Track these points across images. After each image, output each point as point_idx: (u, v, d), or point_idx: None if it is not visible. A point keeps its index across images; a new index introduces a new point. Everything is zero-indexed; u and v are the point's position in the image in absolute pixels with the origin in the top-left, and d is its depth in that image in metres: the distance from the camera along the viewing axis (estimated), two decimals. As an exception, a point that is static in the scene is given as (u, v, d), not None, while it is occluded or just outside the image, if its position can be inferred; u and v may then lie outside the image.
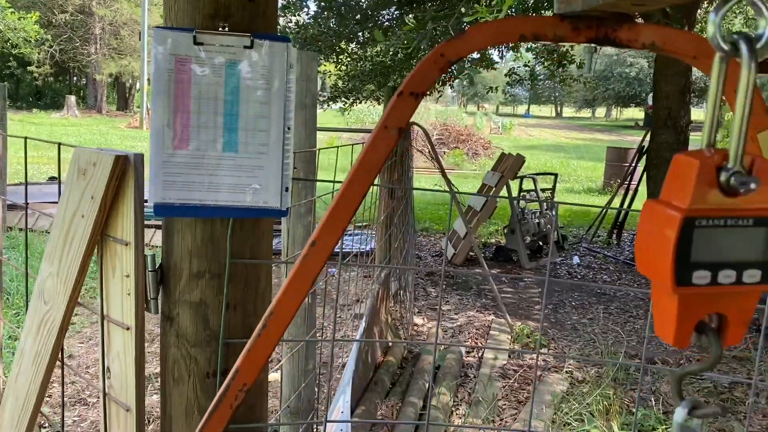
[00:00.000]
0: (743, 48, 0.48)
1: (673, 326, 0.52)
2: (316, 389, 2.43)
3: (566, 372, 4.15)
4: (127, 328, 1.36)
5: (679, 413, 0.55)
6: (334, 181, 1.73)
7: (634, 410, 3.59)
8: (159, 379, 1.47)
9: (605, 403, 3.50)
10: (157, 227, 6.61)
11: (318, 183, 2.41)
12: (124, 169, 1.33)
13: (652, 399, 3.70)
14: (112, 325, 1.40)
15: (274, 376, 3.34)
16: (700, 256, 0.50)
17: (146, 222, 1.37)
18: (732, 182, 0.49)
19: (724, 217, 0.50)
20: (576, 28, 0.76)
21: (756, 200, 0.50)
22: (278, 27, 5.97)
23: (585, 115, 60.00)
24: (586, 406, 3.46)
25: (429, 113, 23.74)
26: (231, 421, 0.84)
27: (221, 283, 1.34)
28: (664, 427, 3.37)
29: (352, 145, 3.59)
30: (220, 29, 1.26)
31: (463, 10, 3.49)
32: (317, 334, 2.98)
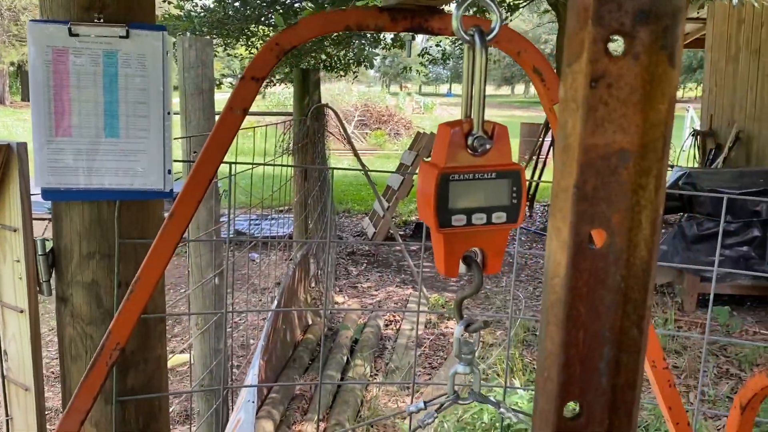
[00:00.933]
0: (477, 39, 0.61)
1: (443, 260, 0.66)
2: (230, 369, 2.52)
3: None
4: (21, 311, 1.41)
5: (458, 330, 0.69)
6: (232, 162, 1.82)
7: (534, 368, 3.85)
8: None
9: (510, 364, 3.74)
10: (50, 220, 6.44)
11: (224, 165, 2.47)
12: (8, 157, 1.37)
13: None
14: (6, 309, 1.45)
15: (184, 357, 3.40)
16: (457, 204, 0.63)
17: (40, 215, 1.43)
18: (474, 144, 0.62)
19: (472, 172, 0.63)
20: (394, 19, 0.88)
21: (496, 158, 0.64)
22: (184, 12, 5.87)
23: (504, 93, 61.46)
24: (492, 366, 3.69)
25: (350, 94, 23.75)
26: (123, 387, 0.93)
27: (112, 263, 1.41)
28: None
29: (254, 127, 3.65)
30: (96, 20, 1.32)
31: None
32: (230, 316, 3.05)
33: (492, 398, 0.72)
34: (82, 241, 1.39)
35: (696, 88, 41.98)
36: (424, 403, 0.79)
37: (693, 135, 8.47)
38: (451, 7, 0.95)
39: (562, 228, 0.39)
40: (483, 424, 2.89)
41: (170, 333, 4.43)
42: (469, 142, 0.63)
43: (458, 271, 0.67)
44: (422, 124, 23.04)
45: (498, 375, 3.64)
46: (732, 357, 4.16)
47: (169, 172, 1.39)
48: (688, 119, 14.18)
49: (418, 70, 9.36)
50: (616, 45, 0.39)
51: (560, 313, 0.40)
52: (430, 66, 10.41)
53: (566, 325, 0.40)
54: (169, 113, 1.38)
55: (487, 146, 0.61)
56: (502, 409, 0.73)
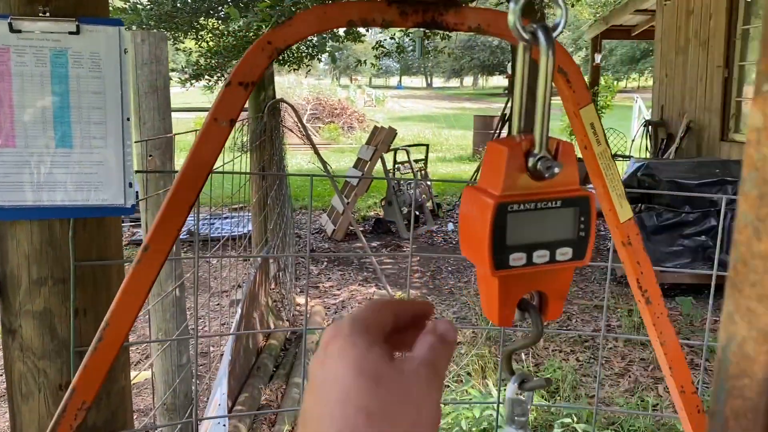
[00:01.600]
0: (541, 37, 0.50)
1: (496, 307, 0.54)
2: (194, 382, 2.35)
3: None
4: (-39, 347, 1.24)
5: (510, 389, 0.58)
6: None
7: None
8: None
9: (481, 362, 3.67)
10: None
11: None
12: (-60, 172, 1.19)
13: (522, 354, 3.93)
14: (-57, 345, 1.27)
15: (146, 374, 3.21)
16: (515, 240, 0.52)
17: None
18: (539, 167, 0.51)
19: (534, 201, 0.52)
20: (404, 13, 0.76)
21: (562, 182, 0.52)
22: (129, 4, 5.59)
23: (454, 85, 61.82)
24: (464, 367, 3.61)
25: (301, 88, 23.43)
26: (84, 427, 0.79)
27: (67, 289, 1.25)
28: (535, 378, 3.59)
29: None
30: (41, 14, 1.15)
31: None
32: (189, 326, 2.88)
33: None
34: (32, 265, 1.23)
35: (639, 79, 43.12)
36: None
37: (644, 125, 8.59)
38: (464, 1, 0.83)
39: (758, 311, 0.28)
40: (459, 430, 2.80)
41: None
42: (530, 163, 0.51)
43: (514, 318, 0.56)
44: (375, 117, 22.93)
45: (470, 375, 3.57)
46: (697, 348, 4.19)
47: (131, 185, 1.24)
48: (636, 109, 14.47)
49: (373, 63, 9.22)
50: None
51: (754, 427, 0.28)
52: (382, 58, 10.29)
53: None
54: (128, 119, 1.22)
55: (556, 169, 0.49)
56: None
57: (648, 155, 8.46)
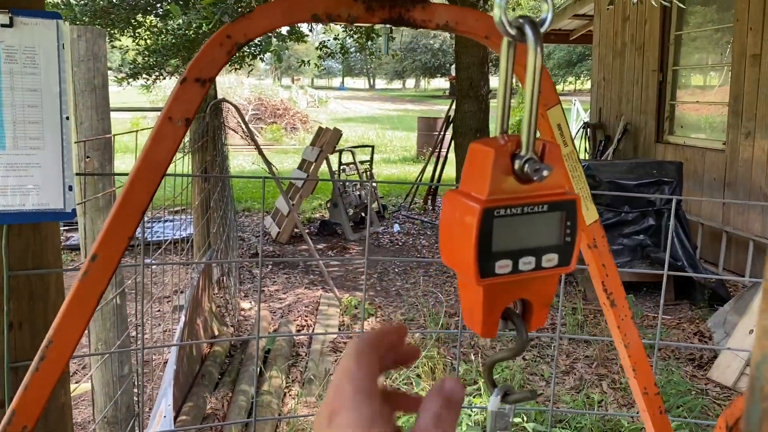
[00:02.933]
0: (529, 32, 0.47)
1: (480, 317, 0.51)
2: (136, 393, 2.25)
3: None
4: None
5: (493, 402, 0.55)
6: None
7: (455, 366, 3.81)
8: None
9: (430, 364, 3.67)
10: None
11: (119, 170, 2.20)
12: None
13: (472, 354, 3.95)
14: None
15: (85, 386, 3.06)
16: (502, 246, 0.49)
17: None
18: (526, 170, 0.48)
19: (521, 205, 0.49)
20: (370, 9, 0.73)
21: (548, 185, 0.50)
22: (61, -2, 5.35)
23: (396, 87, 62.12)
24: (414, 369, 3.60)
25: (242, 87, 23.05)
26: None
27: (0, 301, 1.16)
28: (483, 378, 3.62)
29: (140, 129, 3.35)
30: (-32, 4, 1.06)
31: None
32: (131, 336, 2.76)
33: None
34: (-40, 276, 1.13)
35: (575, 82, 44.36)
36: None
37: (583, 127, 8.82)
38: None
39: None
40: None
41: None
42: (517, 166, 0.48)
43: (498, 328, 0.53)
44: (318, 118, 22.79)
45: (420, 377, 3.56)
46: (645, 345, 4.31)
47: (70, 188, 1.16)
48: (574, 111, 14.86)
49: (316, 64, 9.14)
50: None
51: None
52: (326, 59, 10.22)
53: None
54: (67, 118, 1.14)
55: (545, 172, 0.47)
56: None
57: (587, 156, 8.68)
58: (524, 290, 0.52)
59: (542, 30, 0.47)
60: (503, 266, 0.49)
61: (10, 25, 1.09)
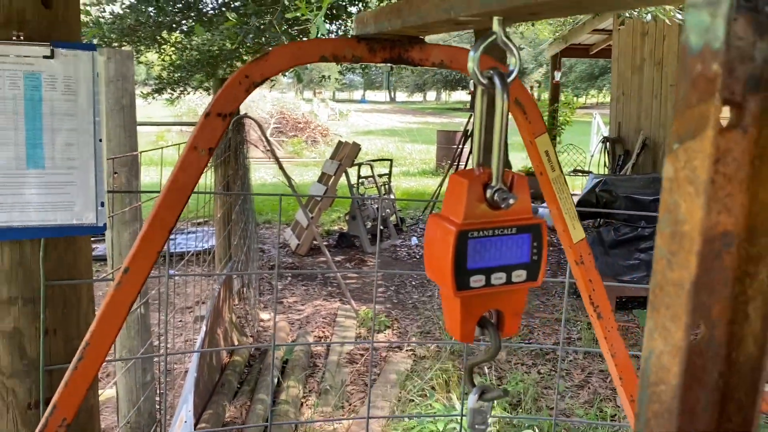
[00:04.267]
0: (497, 83, 0.55)
1: (459, 324, 0.59)
2: (158, 400, 2.35)
3: (408, 350, 4.36)
4: (-72, 367, 1.24)
5: (472, 399, 0.63)
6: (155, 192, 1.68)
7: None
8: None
9: (444, 376, 3.73)
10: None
11: (145, 185, 2.32)
12: None
13: (485, 367, 4.00)
14: None
15: (109, 392, 3.17)
16: (475, 263, 0.57)
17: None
18: (495, 198, 0.56)
19: (492, 228, 0.57)
20: (372, 50, 0.82)
21: (516, 211, 0.58)
22: (91, 17, 5.55)
23: (417, 99, 62.37)
24: (429, 381, 3.66)
25: (265, 101, 23.35)
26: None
27: (37, 309, 1.26)
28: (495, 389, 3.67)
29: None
30: (14, 39, 1.17)
31: (286, 2, 3.50)
32: (154, 344, 2.87)
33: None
34: (2, 285, 1.24)
35: (597, 95, 44.16)
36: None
37: (602, 142, 8.83)
38: (427, 38, 0.89)
39: (671, 328, 0.33)
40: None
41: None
42: (489, 195, 0.56)
43: (474, 335, 0.61)
44: (339, 131, 22.97)
45: (434, 389, 3.62)
46: (652, 358, 4.32)
47: (102, 204, 1.26)
48: (594, 125, 14.84)
49: (336, 78, 9.27)
50: (723, 116, 0.34)
51: (668, 426, 0.34)
52: (346, 73, 10.36)
53: (660, 427, 0.35)
54: (100, 140, 1.25)
55: (511, 201, 0.55)
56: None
57: (606, 171, 8.69)
58: (497, 302, 0.60)
59: (509, 80, 0.56)
60: (477, 280, 0.57)
61: (52, 56, 1.19)
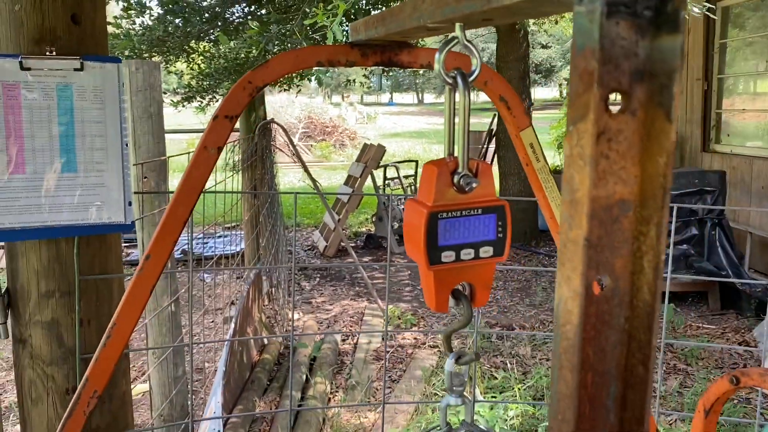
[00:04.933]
0: (460, 82, 0.63)
1: (433, 296, 0.67)
2: (190, 395, 2.46)
3: (431, 346, 4.42)
4: (-24, 356, 1.35)
5: (449, 364, 0.70)
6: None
7: (495, 375, 3.91)
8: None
9: (470, 371, 3.78)
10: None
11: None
12: (-43, 197, 1.31)
13: (508, 363, 4.04)
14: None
15: (143, 387, 3.31)
16: (446, 240, 0.65)
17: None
18: (461, 183, 0.64)
19: (459, 210, 0.65)
20: (364, 54, 0.90)
21: (482, 194, 0.65)
22: (122, 30, 5.74)
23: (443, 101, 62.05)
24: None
25: (293, 107, 23.61)
26: (88, 428, 0.91)
27: (72, 301, 1.37)
28: (520, 386, 3.71)
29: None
30: (48, 53, 1.28)
31: (307, 10, 3.61)
32: (185, 341, 2.99)
33: (484, 427, 0.73)
34: (41, 279, 1.35)
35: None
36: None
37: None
38: (420, 42, 0.97)
39: (572, 278, 0.41)
40: None
41: (121, 361, 4.30)
42: (456, 180, 0.64)
43: (448, 305, 0.68)
44: (367, 134, 23.10)
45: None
46: (678, 353, 4.32)
47: (130, 204, 1.36)
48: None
49: (361, 82, 9.40)
50: (615, 102, 0.41)
51: (574, 358, 0.41)
52: (372, 76, 10.47)
53: (578, 369, 0.42)
54: (126, 144, 1.35)
55: (474, 185, 0.63)
56: (496, 439, 0.75)
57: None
58: (467, 275, 0.68)
59: (470, 79, 0.63)
60: (448, 256, 0.65)
61: (81, 68, 1.30)
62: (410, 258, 0.68)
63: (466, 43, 0.62)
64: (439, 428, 0.72)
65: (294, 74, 8.73)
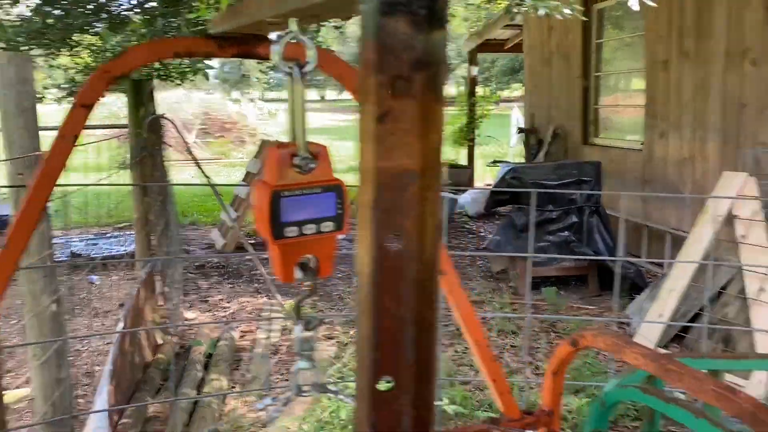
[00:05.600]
0: (295, 72, 0.69)
1: (280, 268, 0.73)
2: (75, 398, 2.39)
3: (329, 338, 4.50)
4: None
5: (298, 329, 0.77)
6: (64, 184, 1.75)
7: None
8: None
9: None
10: None
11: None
12: None
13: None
14: None
15: (24, 391, 3.17)
16: (289, 217, 0.71)
17: None
18: (300, 164, 0.70)
19: (300, 188, 0.71)
20: (221, 46, 0.94)
21: (321, 174, 0.72)
22: (-5, 20, 5.36)
23: (347, 97, 62.39)
24: (347, 364, 3.81)
25: (191, 103, 22.90)
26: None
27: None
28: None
29: (90, 143, 3.48)
30: None
31: (193, 3, 3.55)
32: (71, 344, 2.90)
33: (331, 387, 0.80)
34: None
35: (520, 88, 45.44)
36: (272, 399, 0.86)
37: (518, 132, 9.21)
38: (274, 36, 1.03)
39: (366, 236, 0.48)
40: (341, 421, 2.99)
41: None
42: (296, 162, 0.70)
43: (294, 276, 0.75)
44: (268, 131, 22.78)
45: (354, 372, 3.76)
46: (561, 332, 4.62)
47: (-5, 198, 1.33)
48: (514, 117, 15.34)
49: (257, 78, 9.28)
50: (399, 87, 0.49)
51: (370, 304, 0.49)
52: (270, 72, 10.36)
53: (375, 314, 0.49)
54: (-10, 138, 1.32)
55: (311, 165, 0.69)
56: (340, 396, 0.82)
57: (523, 160, 9.07)
58: (311, 248, 0.75)
59: (305, 70, 0.70)
60: (291, 231, 0.71)
61: (-63, 59, 1.26)
62: (260, 234, 0.73)
63: (300, 36, 0.69)
64: (291, 390, 0.78)
65: (187, 69, 8.52)
